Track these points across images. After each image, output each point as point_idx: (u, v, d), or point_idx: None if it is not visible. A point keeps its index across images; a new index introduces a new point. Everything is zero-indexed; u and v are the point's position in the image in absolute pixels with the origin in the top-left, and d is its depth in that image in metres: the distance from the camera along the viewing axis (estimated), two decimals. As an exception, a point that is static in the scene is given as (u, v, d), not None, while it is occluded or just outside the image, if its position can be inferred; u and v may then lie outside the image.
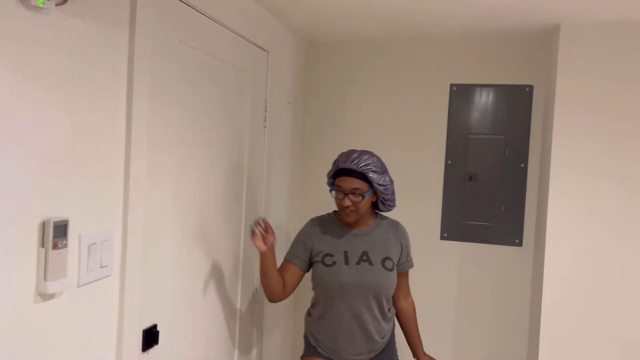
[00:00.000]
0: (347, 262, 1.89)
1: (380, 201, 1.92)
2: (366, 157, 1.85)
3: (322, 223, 1.99)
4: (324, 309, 1.94)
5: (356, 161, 1.83)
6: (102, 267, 1.29)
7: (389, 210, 1.98)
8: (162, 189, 1.53)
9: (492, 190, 2.51)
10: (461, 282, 2.56)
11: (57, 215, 1.14)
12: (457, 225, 2.55)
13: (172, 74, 1.54)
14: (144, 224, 1.44)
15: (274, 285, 1.88)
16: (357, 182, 1.83)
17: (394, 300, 2.04)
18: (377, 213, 2.02)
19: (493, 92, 2.50)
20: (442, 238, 2.57)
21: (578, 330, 2.05)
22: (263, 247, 1.80)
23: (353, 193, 1.83)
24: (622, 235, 2.04)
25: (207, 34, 1.72)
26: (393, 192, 1.92)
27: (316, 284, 1.94)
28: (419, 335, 2.12)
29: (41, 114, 1.09)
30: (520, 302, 2.49)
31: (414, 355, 2.12)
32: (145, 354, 1.49)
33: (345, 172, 1.84)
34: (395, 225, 2.02)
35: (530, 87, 2.45)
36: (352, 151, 1.88)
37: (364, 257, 1.90)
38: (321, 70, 2.70)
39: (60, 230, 1.13)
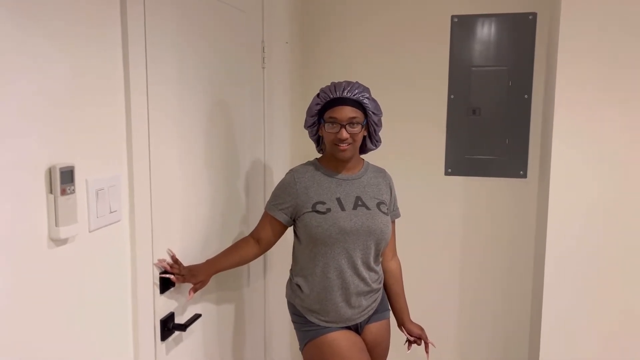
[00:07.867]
0: (343, 209, 1.74)
1: (370, 136, 1.82)
2: (356, 85, 1.74)
3: (306, 172, 1.80)
4: (319, 270, 1.75)
5: (348, 89, 1.70)
6: (111, 212, 1.29)
7: (376, 147, 1.87)
8: (165, 132, 1.51)
9: (496, 123, 2.48)
10: (466, 215, 2.58)
11: (63, 161, 1.13)
12: (462, 159, 2.54)
13: (167, 13, 1.50)
14: (149, 168, 1.43)
15: (240, 263, 1.82)
16: (354, 111, 1.70)
17: (382, 258, 1.91)
18: (362, 159, 1.89)
19: (495, 21, 2.43)
20: (446, 174, 2.57)
21: (582, 260, 2.07)
22: (182, 280, 1.59)
23: (350, 123, 1.70)
24: (629, 164, 2.02)
25: (199, -29, 1.66)
26: (382, 125, 1.83)
27: (309, 236, 1.73)
28: (405, 300, 1.98)
29: (40, 58, 1.06)
30: (526, 233, 2.51)
31: (400, 323, 1.98)
32: (163, 295, 1.53)
33: (338, 102, 1.70)
34: (383, 171, 1.91)
35: (534, 15, 2.38)
36: (338, 82, 1.74)
37: (359, 202, 1.77)
38: (317, 8, 2.62)
39: (67, 176, 1.13)
